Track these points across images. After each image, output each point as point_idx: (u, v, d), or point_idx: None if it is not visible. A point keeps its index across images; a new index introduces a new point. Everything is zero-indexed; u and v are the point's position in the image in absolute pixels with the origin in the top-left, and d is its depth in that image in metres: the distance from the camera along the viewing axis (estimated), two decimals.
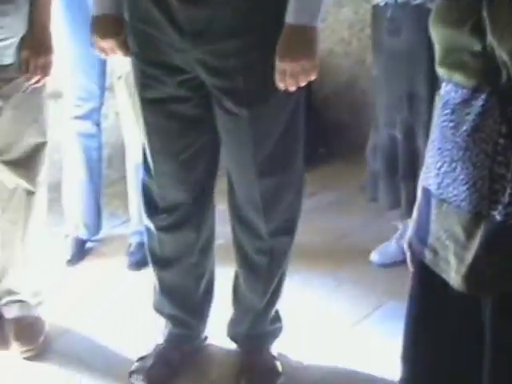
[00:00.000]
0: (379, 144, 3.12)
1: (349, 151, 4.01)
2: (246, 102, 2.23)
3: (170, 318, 2.65)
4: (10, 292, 2.80)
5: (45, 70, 2.55)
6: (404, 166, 3.05)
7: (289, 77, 2.14)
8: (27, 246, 2.73)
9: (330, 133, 4.28)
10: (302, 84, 2.17)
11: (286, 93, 2.19)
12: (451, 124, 1.48)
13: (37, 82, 2.54)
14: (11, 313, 2.80)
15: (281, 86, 2.16)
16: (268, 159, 2.32)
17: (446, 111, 1.50)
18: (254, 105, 2.24)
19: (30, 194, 2.66)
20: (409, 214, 3.06)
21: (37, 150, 2.63)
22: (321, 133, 4.15)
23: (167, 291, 2.61)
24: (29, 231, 2.71)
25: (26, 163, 2.62)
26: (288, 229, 2.47)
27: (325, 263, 3.25)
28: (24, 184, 2.64)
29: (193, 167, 2.41)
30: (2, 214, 2.71)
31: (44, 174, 2.68)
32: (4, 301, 2.81)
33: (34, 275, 2.79)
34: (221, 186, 2.55)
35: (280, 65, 2.14)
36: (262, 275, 2.52)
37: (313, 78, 2.18)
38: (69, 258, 3.36)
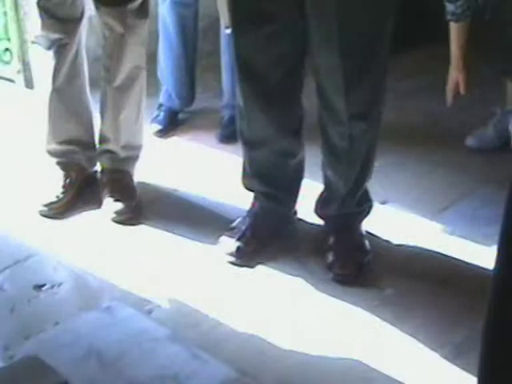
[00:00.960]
0: None
1: (447, 34, 3.87)
2: None
3: (259, 193, 2.67)
4: (102, 139, 2.89)
5: None
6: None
7: None
8: (117, 94, 2.80)
9: (428, 15, 4.13)
10: None
11: None
12: None
13: None
14: (103, 162, 2.91)
15: None
16: (352, 37, 2.27)
17: None
18: None
19: (121, 37, 2.71)
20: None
21: None
22: (419, 14, 4.02)
23: (256, 170, 2.62)
24: (120, 75, 2.77)
25: (119, 5, 2.68)
26: (369, 114, 2.43)
27: (419, 147, 3.21)
28: (116, 26, 2.69)
29: (278, 41, 2.37)
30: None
31: (134, 20, 2.70)
32: (98, 150, 2.92)
33: (123, 126, 2.85)
34: None
35: None
36: (344, 161, 2.50)
37: None
38: (161, 127, 3.40)
